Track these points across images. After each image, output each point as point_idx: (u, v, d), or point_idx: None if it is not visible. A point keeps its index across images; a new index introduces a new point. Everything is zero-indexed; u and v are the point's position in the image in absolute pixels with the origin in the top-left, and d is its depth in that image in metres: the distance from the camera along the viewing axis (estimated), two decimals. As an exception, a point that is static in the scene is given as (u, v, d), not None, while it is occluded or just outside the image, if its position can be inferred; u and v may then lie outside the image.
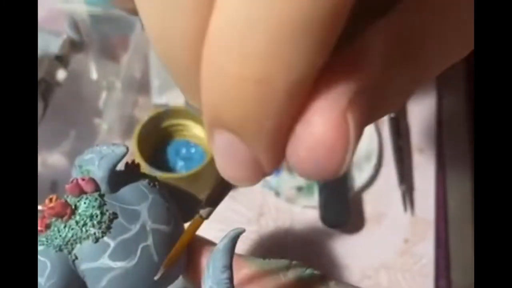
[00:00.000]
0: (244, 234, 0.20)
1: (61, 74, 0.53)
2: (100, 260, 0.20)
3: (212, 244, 0.23)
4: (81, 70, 0.59)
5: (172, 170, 0.55)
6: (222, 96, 0.10)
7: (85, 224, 0.20)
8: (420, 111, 0.65)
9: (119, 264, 0.20)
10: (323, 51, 0.10)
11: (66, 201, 0.20)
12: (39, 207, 0.20)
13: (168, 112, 0.56)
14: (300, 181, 0.58)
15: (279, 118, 0.11)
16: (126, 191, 0.22)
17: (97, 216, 0.20)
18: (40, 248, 0.20)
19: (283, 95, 0.10)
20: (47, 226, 0.21)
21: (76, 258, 0.20)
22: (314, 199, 0.56)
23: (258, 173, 0.12)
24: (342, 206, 0.55)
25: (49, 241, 0.20)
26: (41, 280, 0.19)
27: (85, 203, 0.20)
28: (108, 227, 0.20)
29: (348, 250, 0.55)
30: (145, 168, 0.50)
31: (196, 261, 0.23)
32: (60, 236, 0.20)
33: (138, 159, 0.51)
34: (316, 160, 0.11)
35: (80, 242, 0.20)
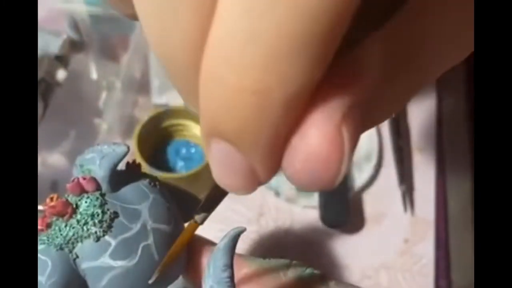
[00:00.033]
0: (244, 234, 0.20)
1: (61, 74, 0.53)
2: (101, 259, 0.20)
3: (212, 244, 0.23)
4: (81, 70, 0.59)
5: (172, 170, 0.55)
6: (220, 106, 0.11)
7: (86, 223, 0.20)
8: (420, 111, 0.65)
9: (119, 263, 0.20)
10: (321, 65, 0.10)
11: (67, 200, 0.20)
12: (40, 207, 0.20)
13: (168, 112, 0.56)
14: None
15: (276, 129, 0.11)
16: (127, 191, 0.22)
17: (98, 215, 0.20)
18: (41, 247, 0.20)
19: (280, 107, 0.10)
20: (48, 225, 0.21)
21: (77, 257, 0.20)
22: (314, 199, 0.56)
23: (254, 182, 0.12)
24: (342, 206, 0.55)
25: (50, 240, 0.20)
26: (42, 279, 0.19)
27: (86, 202, 0.20)
28: (109, 226, 0.20)
29: (348, 250, 0.55)
30: (145, 168, 0.50)
31: (196, 261, 0.23)
32: (61, 235, 0.20)
33: (138, 159, 0.51)
34: (311, 172, 0.11)
35: (81, 241, 0.20)
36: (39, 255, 0.20)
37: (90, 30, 0.57)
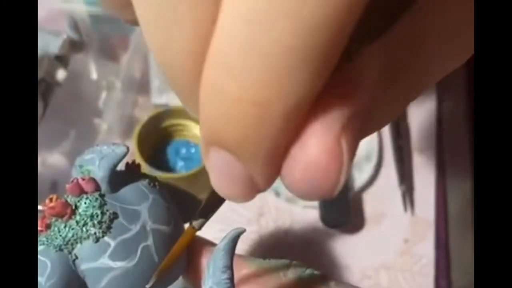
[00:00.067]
0: (244, 234, 0.20)
1: (61, 74, 0.53)
2: (100, 260, 0.20)
3: (212, 244, 0.23)
4: (81, 70, 0.59)
5: (172, 170, 0.55)
6: (220, 117, 0.11)
7: (85, 224, 0.20)
8: (420, 112, 0.65)
9: (119, 264, 0.20)
10: (321, 77, 0.10)
11: (66, 201, 0.20)
12: (39, 207, 0.20)
13: (168, 112, 0.56)
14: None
15: (276, 140, 0.11)
16: (127, 191, 0.22)
17: (97, 216, 0.20)
18: (40, 248, 0.20)
19: (280, 119, 0.10)
20: (48, 226, 0.21)
21: (76, 258, 0.20)
22: (314, 199, 0.56)
23: (253, 191, 0.12)
24: (342, 206, 0.55)
25: (50, 241, 0.20)
26: (41, 279, 0.19)
27: (85, 203, 0.20)
28: (109, 227, 0.20)
29: (348, 250, 0.55)
30: (145, 168, 0.50)
31: (196, 262, 0.23)
32: (60, 236, 0.20)
33: (138, 159, 0.51)
34: (310, 181, 0.11)
35: (81, 242, 0.20)
36: (38, 256, 0.20)
37: (90, 30, 0.57)
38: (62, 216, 0.20)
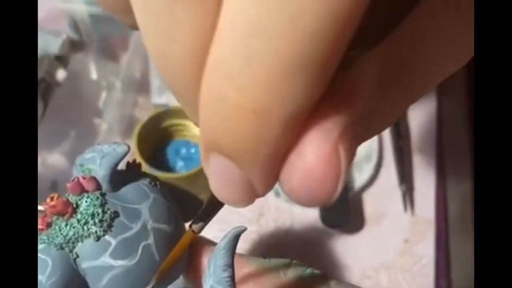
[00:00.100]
0: (244, 234, 0.20)
1: (61, 74, 0.53)
2: (101, 258, 0.20)
3: (213, 243, 0.23)
4: (81, 70, 0.59)
5: (172, 170, 0.55)
6: (220, 124, 0.11)
7: (86, 223, 0.20)
8: (420, 112, 0.65)
9: (120, 262, 0.20)
10: (319, 85, 0.10)
11: (67, 199, 0.20)
12: (40, 207, 0.21)
13: (168, 112, 0.56)
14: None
15: (275, 146, 0.11)
16: (127, 190, 0.22)
17: (98, 215, 0.20)
18: (41, 246, 0.20)
19: (279, 126, 0.10)
20: (49, 225, 0.21)
21: (77, 256, 0.20)
22: (314, 199, 0.56)
23: (251, 196, 0.12)
24: (342, 206, 0.55)
25: (50, 240, 0.20)
26: (42, 278, 0.19)
27: (86, 201, 0.20)
28: (110, 226, 0.20)
29: (348, 250, 0.55)
30: (145, 168, 0.50)
31: (196, 261, 0.23)
32: (61, 234, 0.20)
33: (138, 159, 0.51)
34: (308, 189, 0.11)
35: (81, 241, 0.20)
36: (39, 254, 0.20)
37: (90, 30, 0.57)
38: (63, 215, 0.20)
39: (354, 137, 0.12)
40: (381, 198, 0.59)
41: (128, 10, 0.12)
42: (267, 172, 0.11)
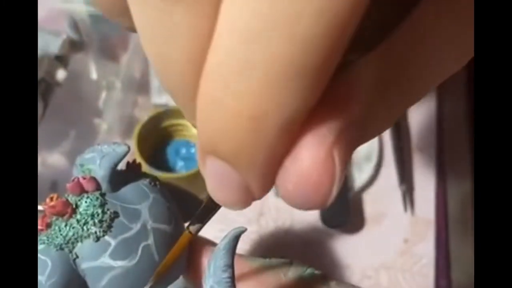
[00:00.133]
0: (244, 234, 0.20)
1: (61, 74, 0.53)
2: (101, 259, 0.20)
3: (213, 244, 0.23)
4: (81, 70, 0.59)
5: (172, 170, 0.55)
6: (217, 128, 0.11)
7: (86, 223, 0.20)
8: (420, 112, 0.65)
9: (119, 263, 0.20)
10: (315, 91, 0.10)
11: (67, 200, 0.20)
12: (39, 207, 0.20)
13: (168, 112, 0.56)
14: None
15: (272, 151, 0.11)
16: (127, 190, 0.22)
17: (98, 215, 0.20)
18: (41, 247, 0.20)
19: (276, 131, 0.11)
20: (48, 225, 0.21)
21: (77, 257, 0.20)
22: (314, 199, 0.56)
23: (248, 198, 0.13)
24: (342, 206, 0.55)
25: (50, 240, 0.20)
26: (41, 278, 0.19)
27: (86, 202, 0.20)
28: (109, 226, 0.20)
29: (348, 250, 0.55)
30: (145, 168, 0.50)
31: (196, 261, 0.23)
32: (61, 235, 0.20)
33: (138, 159, 0.51)
34: (303, 194, 0.12)
35: (81, 241, 0.20)
36: (39, 255, 0.20)
37: (90, 30, 0.57)
38: (62, 215, 0.20)
39: (349, 141, 0.12)
40: (381, 198, 0.59)
41: (124, 13, 0.12)
42: (264, 176, 0.12)
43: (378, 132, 0.14)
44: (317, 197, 0.12)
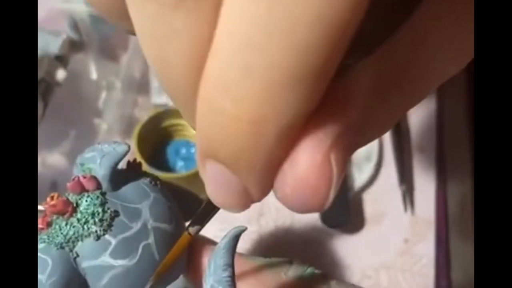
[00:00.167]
0: (244, 233, 0.20)
1: (60, 74, 0.53)
2: (101, 258, 0.20)
3: (213, 243, 0.23)
4: (81, 70, 0.59)
5: (172, 170, 0.55)
6: (217, 133, 0.11)
7: (86, 222, 0.20)
8: (420, 112, 0.65)
9: (120, 262, 0.20)
10: (314, 97, 0.10)
11: (67, 199, 0.20)
12: (40, 207, 0.21)
13: (168, 112, 0.56)
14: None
15: (271, 156, 0.11)
16: (128, 190, 0.22)
17: (98, 214, 0.20)
18: (41, 245, 0.20)
19: (275, 136, 0.11)
20: (49, 224, 0.21)
21: (77, 256, 0.20)
22: (314, 199, 0.56)
23: (247, 201, 0.13)
24: (342, 206, 0.55)
25: (51, 239, 0.20)
26: (42, 277, 0.19)
27: (86, 201, 0.20)
28: (110, 225, 0.20)
29: (348, 250, 0.55)
30: (145, 168, 0.50)
31: (197, 260, 0.23)
32: (61, 233, 0.20)
33: (138, 159, 0.51)
34: (300, 197, 0.12)
35: (82, 240, 0.20)
36: (39, 254, 0.20)
37: (90, 30, 0.57)
38: (63, 214, 0.20)
39: (347, 145, 0.12)
40: (381, 198, 0.59)
41: (123, 15, 0.12)
42: (263, 179, 0.12)
43: (378, 134, 0.14)
44: (314, 200, 0.12)
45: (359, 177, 0.59)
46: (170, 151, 0.57)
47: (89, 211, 0.20)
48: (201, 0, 0.10)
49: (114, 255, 0.20)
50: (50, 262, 0.19)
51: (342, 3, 0.09)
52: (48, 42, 0.52)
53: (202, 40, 0.10)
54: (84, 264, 0.20)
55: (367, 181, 0.59)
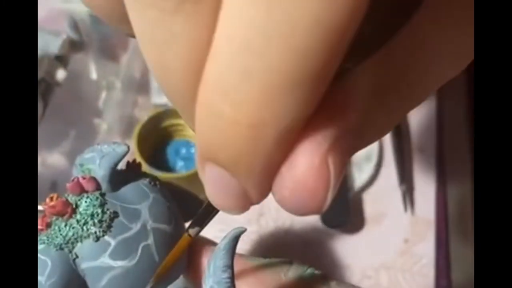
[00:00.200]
0: (244, 234, 0.20)
1: (60, 74, 0.53)
2: (101, 259, 0.20)
3: (213, 243, 0.23)
4: (81, 70, 0.59)
5: (172, 170, 0.55)
6: (216, 136, 0.11)
7: (86, 223, 0.20)
8: (420, 112, 0.65)
9: (119, 263, 0.20)
10: (313, 100, 0.10)
11: (67, 199, 0.20)
12: (39, 207, 0.20)
13: (167, 112, 0.56)
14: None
15: (269, 159, 0.11)
16: (127, 190, 0.22)
17: (98, 215, 0.20)
18: (40, 246, 0.20)
19: (274, 140, 0.11)
20: (48, 225, 0.21)
21: (77, 257, 0.20)
22: (314, 199, 0.56)
23: (246, 203, 0.13)
24: (342, 206, 0.55)
25: (50, 240, 0.20)
26: (41, 279, 0.19)
27: (86, 201, 0.20)
28: (109, 226, 0.20)
29: (348, 250, 0.55)
30: (145, 168, 0.50)
31: (196, 261, 0.23)
32: (60, 234, 0.20)
33: (138, 159, 0.51)
34: (298, 199, 0.12)
35: (81, 241, 0.20)
36: (38, 255, 0.20)
37: (90, 30, 0.57)
38: (62, 215, 0.20)
39: (345, 148, 0.12)
40: (381, 198, 0.59)
41: (123, 19, 0.12)
42: (262, 182, 0.12)
43: (377, 137, 0.14)
44: (312, 203, 0.12)
45: (359, 177, 0.59)
46: (170, 151, 0.57)
47: (89, 212, 0.20)
48: (200, 5, 0.10)
49: (113, 256, 0.20)
50: (49, 263, 0.19)
51: (341, 7, 0.09)
52: (48, 42, 0.52)
53: (201, 44, 0.10)
54: (84, 265, 0.20)
55: (367, 181, 0.59)
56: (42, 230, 0.21)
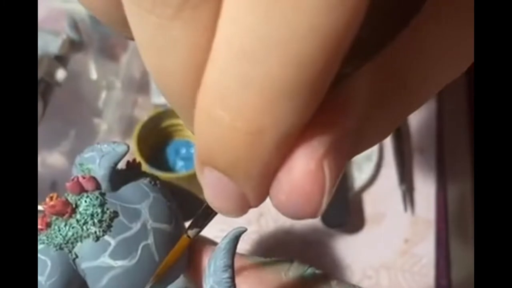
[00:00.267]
0: (244, 234, 0.20)
1: (60, 74, 0.53)
2: (101, 258, 0.20)
3: (213, 243, 0.23)
4: (81, 70, 0.59)
5: (172, 170, 0.55)
6: (214, 142, 0.11)
7: (85, 223, 0.20)
8: (421, 111, 0.65)
9: (119, 263, 0.20)
10: (311, 107, 0.11)
11: (66, 199, 0.20)
12: (39, 207, 0.20)
13: (167, 112, 0.56)
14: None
15: (268, 164, 0.11)
16: (127, 190, 0.22)
17: (97, 215, 0.20)
18: (40, 246, 0.20)
19: (272, 145, 0.11)
20: (48, 225, 0.21)
21: (77, 256, 0.20)
22: (314, 199, 0.56)
23: (245, 207, 0.13)
24: (342, 206, 0.55)
25: (50, 240, 0.20)
26: (41, 278, 0.19)
27: (85, 201, 0.20)
28: (109, 226, 0.20)
29: (348, 250, 0.55)
30: (145, 168, 0.50)
31: (197, 261, 0.23)
32: (60, 234, 0.20)
33: (138, 159, 0.51)
34: (294, 204, 0.12)
35: (81, 241, 0.20)
36: (38, 255, 0.20)
37: (90, 30, 0.57)
38: (62, 215, 0.20)
39: (342, 153, 0.12)
40: (381, 198, 0.59)
41: (123, 22, 0.12)
42: (260, 186, 0.12)
43: (377, 141, 0.14)
44: (308, 207, 0.12)
45: (359, 177, 0.59)
46: (170, 151, 0.57)
47: (88, 211, 0.20)
48: (199, 11, 0.10)
49: (113, 255, 0.20)
50: (49, 263, 0.19)
51: (340, 13, 0.09)
52: (48, 42, 0.52)
53: (200, 50, 0.10)
54: (84, 265, 0.20)
55: (367, 181, 0.59)
56: (42, 230, 0.21)
